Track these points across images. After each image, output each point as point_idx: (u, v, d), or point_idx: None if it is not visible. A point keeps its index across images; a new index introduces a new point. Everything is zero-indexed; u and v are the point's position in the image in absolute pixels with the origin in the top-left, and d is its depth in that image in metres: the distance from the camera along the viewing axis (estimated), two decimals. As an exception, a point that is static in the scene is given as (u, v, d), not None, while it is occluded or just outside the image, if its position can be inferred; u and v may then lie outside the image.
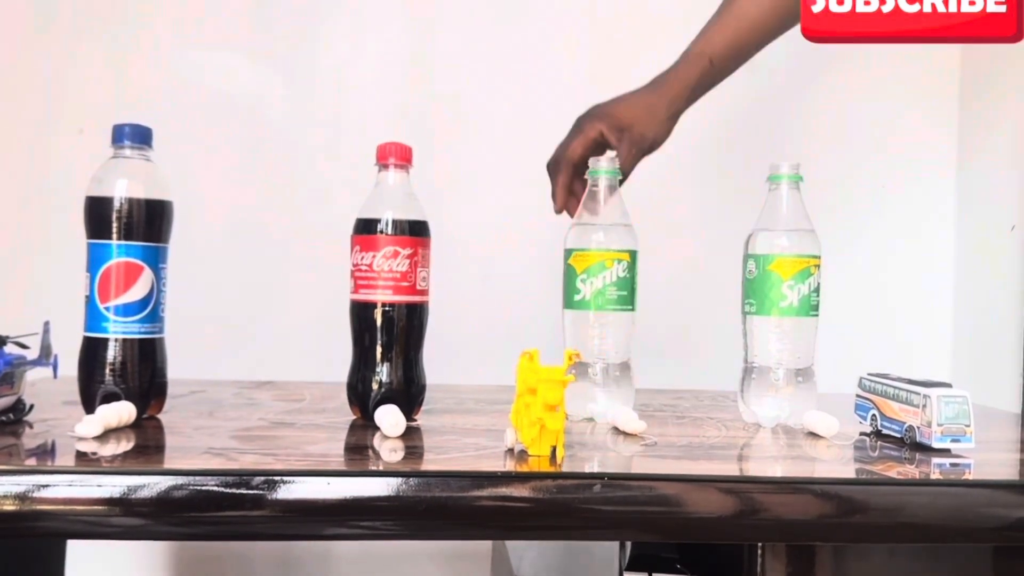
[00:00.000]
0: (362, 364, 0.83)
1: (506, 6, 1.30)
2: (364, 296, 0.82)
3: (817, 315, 0.85)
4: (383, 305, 0.82)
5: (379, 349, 0.82)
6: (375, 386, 0.82)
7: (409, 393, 0.83)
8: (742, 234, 0.88)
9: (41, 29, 1.26)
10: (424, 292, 0.83)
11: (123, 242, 0.76)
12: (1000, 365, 1.18)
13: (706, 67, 0.97)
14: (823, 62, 1.31)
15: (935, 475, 0.71)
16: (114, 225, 0.76)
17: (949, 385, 0.76)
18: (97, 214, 0.77)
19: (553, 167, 0.94)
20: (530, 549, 1.21)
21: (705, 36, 0.98)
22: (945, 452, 0.75)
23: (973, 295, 1.28)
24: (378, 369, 0.82)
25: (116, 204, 0.76)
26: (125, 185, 0.77)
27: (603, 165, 0.89)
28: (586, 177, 0.90)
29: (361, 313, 0.83)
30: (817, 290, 0.85)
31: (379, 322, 0.82)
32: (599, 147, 0.93)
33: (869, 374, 0.85)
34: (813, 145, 1.32)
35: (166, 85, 1.26)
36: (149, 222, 0.77)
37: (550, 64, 1.31)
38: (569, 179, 0.93)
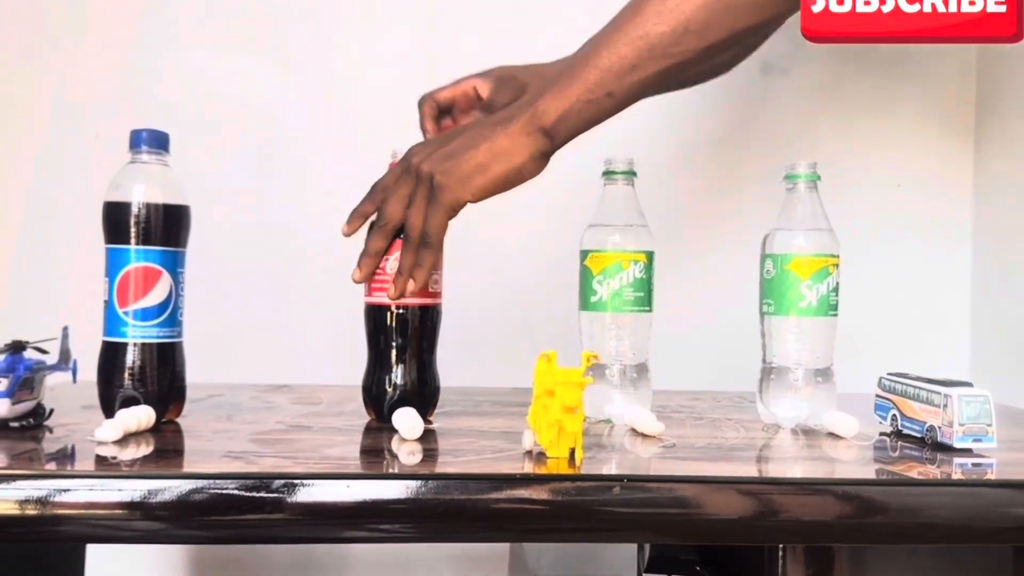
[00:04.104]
0: (376, 366, 0.83)
1: (519, 8, 1.30)
2: (377, 299, 0.82)
3: (836, 315, 0.85)
4: (396, 307, 0.82)
5: (393, 351, 0.82)
6: (389, 388, 0.82)
7: (423, 395, 0.83)
8: (759, 234, 0.88)
9: (55, 34, 1.27)
10: (436, 294, 0.83)
11: (141, 247, 0.77)
12: (1020, 364, 1.17)
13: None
14: (837, 61, 1.30)
15: (957, 475, 0.70)
16: (132, 230, 0.77)
17: (970, 384, 0.76)
18: (115, 219, 0.77)
19: (421, 103, 0.92)
20: (548, 550, 1.21)
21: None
22: (967, 452, 0.74)
23: (991, 293, 1.28)
24: (392, 371, 0.82)
25: (134, 209, 0.77)
26: (143, 190, 0.77)
27: (619, 166, 0.89)
28: (601, 179, 0.90)
29: (375, 315, 0.83)
30: (836, 290, 0.84)
31: (392, 324, 0.82)
32: (471, 101, 0.91)
33: (889, 374, 0.85)
34: (830, 144, 1.32)
35: (181, 89, 1.26)
36: (167, 227, 0.77)
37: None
38: (434, 112, 0.91)
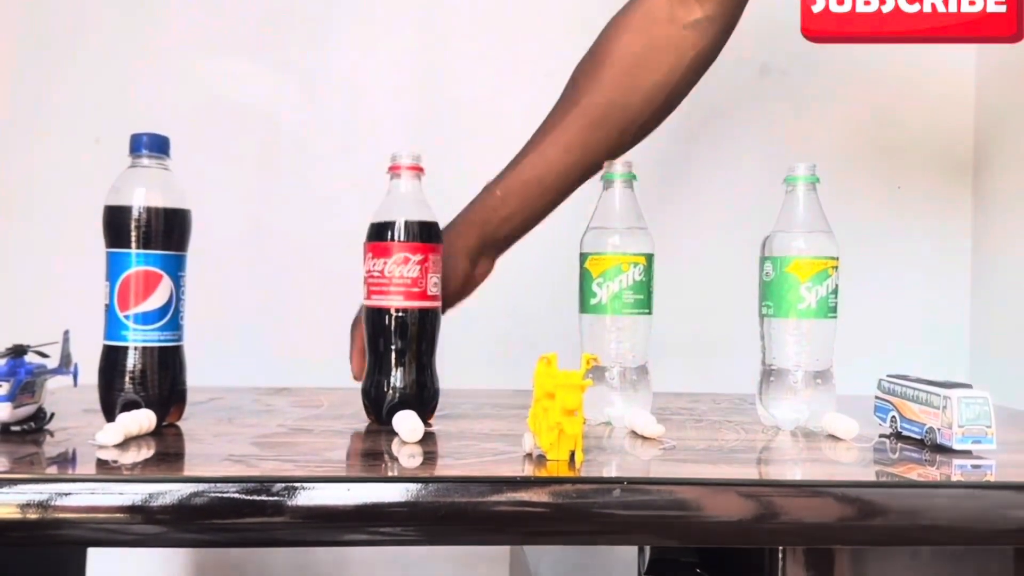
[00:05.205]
0: (376, 369, 0.83)
1: (514, 14, 1.31)
2: (376, 302, 0.83)
3: (835, 317, 0.85)
4: (395, 311, 0.82)
5: (392, 354, 0.82)
6: (389, 391, 0.82)
7: (422, 398, 0.83)
8: (759, 236, 0.88)
9: (57, 39, 1.27)
10: (435, 298, 0.84)
11: (142, 251, 0.77)
12: (1019, 365, 1.17)
13: (495, 201, 0.94)
14: (838, 63, 1.31)
15: (956, 477, 0.70)
16: (133, 234, 0.77)
17: (969, 386, 0.76)
18: (116, 223, 0.77)
19: (352, 330, 0.91)
20: (548, 553, 1.21)
21: (505, 170, 0.96)
22: (966, 454, 0.74)
23: (991, 295, 1.28)
24: (392, 374, 0.82)
25: (135, 213, 0.77)
26: (143, 194, 0.77)
27: (618, 169, 0.89)
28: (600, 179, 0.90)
29: (374, 319, 0.83)
30: (835, 292, 0.85)
31: (391, 328, 0.82)
32: None
33: (888, 375, 0.85)
34: (830, 147, 1.32)
35: (181, 93, 1.27)
36: (168, 231, 0.77)
37: (558, 69, 1.31)
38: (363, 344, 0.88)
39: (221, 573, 1.27)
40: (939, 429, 0.75)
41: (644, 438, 0.80)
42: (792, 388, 0.84)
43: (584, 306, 0.88)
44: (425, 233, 0.83)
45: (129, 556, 1.19)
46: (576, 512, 0.63)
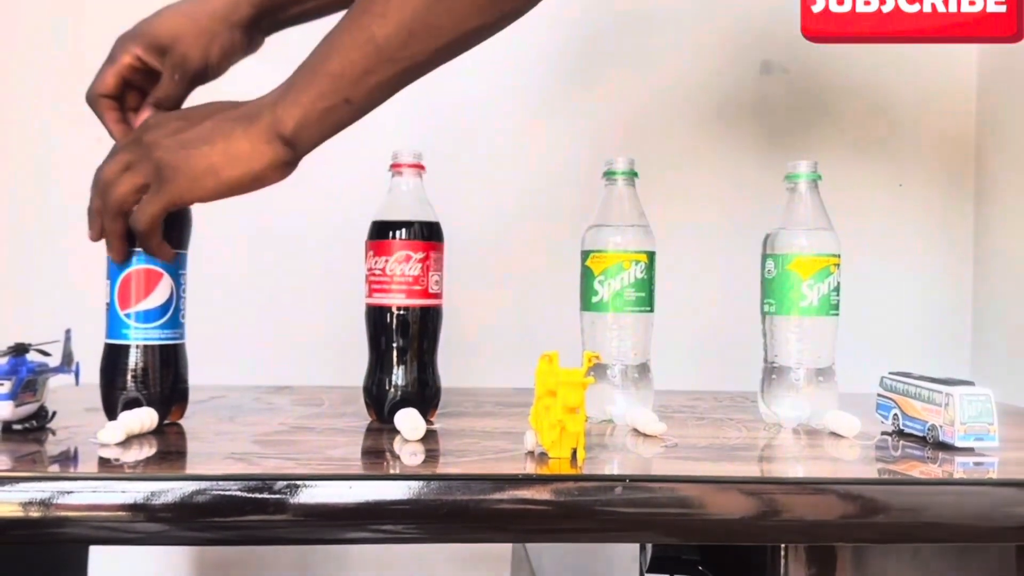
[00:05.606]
0: (378, 368, 0.83)
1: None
2: (378, 300, 0.83)
3: (837, 314, 0.85)
4: (396, 309, 0.82)
5: (394, 353, 0.82)
6: (390, 389, 0.82)
7: (424, 396, 0.83)
8: (760, 234, 0.88)
9: (57, 37, 1.27)
10: (437, 296, 0.84)
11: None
12: (1021, 363, 1.17)
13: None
14: (838, 60, 1.31)
15: (958, 474, 0.70)
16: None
17: (972, 383, 0.76)
18: (117, 221, 0.77)
19: (93, 106, 0.82)
20: (550, 550, 1.21)
21: None
22: (968, 451, 0.74)
23: (993, 292, 1.28)
24: (393, 372, 0.82)
25: (135, 211, 0.77)
26: (144, 192, 0.77)
27: (620, 166, 0.89)
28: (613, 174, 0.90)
29: (376, 317, 0.83)
30: (837, 289, 0.85)
31: (393, 326, 0.82)
32: (141, 73, 0.81)
33: (890, 373, 0.85)
34: (830, 144, 1.32)
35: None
36: (168, 228, 0.77)
37: (558, 68, 1.31)
38: (117, 113, 0.81)
39: (223, 571, 1.27)
40: (941, 426, 0.75)
41: (646, 436, 0.80)
42: (794, 386, 0.84)
43: (586, 304, 0.88)
44: (427, 231, 0.83)
45: (131, 554, 1.19)
46: (578, 510, 0.63)
